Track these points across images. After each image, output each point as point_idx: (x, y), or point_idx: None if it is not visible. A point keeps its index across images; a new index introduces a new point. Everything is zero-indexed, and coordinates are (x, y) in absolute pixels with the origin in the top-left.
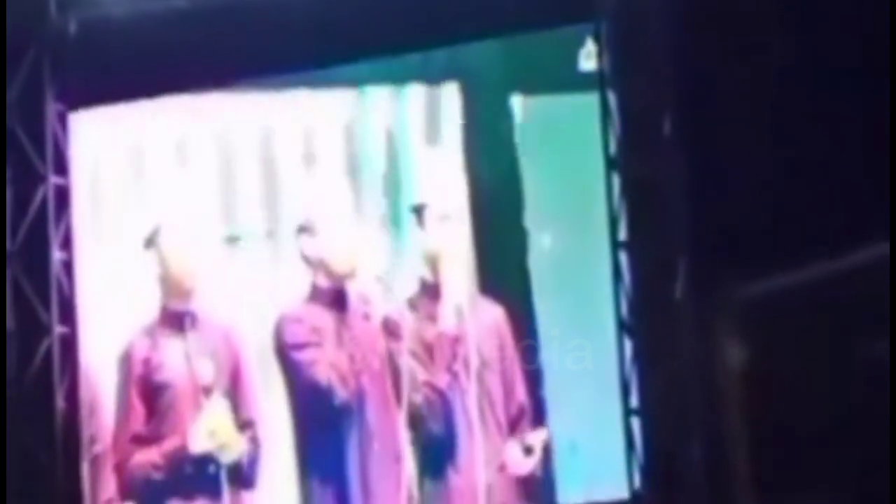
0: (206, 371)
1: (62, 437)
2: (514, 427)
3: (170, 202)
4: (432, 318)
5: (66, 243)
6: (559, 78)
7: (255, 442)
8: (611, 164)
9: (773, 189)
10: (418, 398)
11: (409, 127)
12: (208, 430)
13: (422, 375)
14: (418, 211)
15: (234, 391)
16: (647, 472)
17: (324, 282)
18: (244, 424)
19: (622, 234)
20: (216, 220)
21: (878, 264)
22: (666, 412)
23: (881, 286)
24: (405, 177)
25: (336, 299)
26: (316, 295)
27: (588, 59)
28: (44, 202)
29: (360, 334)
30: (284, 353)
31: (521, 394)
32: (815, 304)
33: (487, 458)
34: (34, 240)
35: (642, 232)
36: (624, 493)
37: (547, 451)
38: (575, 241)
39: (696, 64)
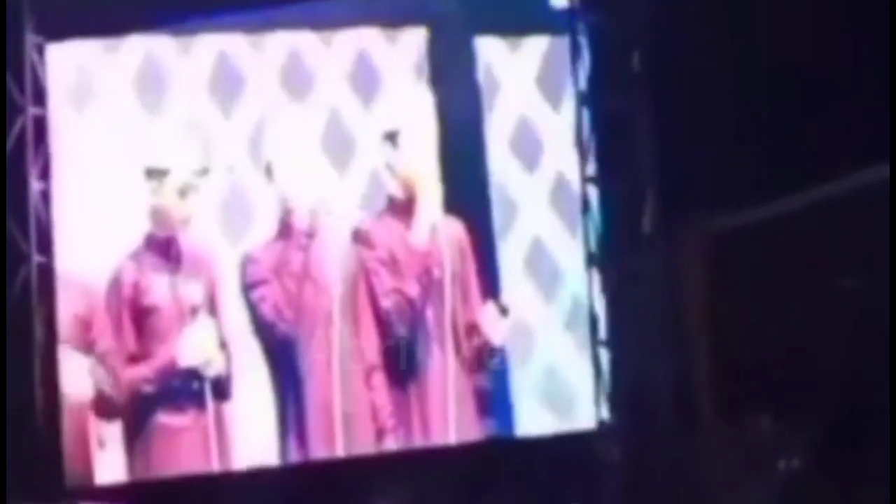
0: (195, 292)
1: (40, 362)
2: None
3: (162, 135)
4: (401, 232)
5: (45, 174)
6: (527, 17)
7: (229, 359)
8: (581, 99)
9: (741, 124)
10: (388, 303)
11: (386, 64)
12: (195, 346)
13: (391, 282)
14: (392, 136)
15: (214, 313)
16: (614, 402)
17: (286, 217)
18: (222, 344)
19: (591, 170)
20: (201, 154)
21: (845, 199)
22: (633, 343)
23: (849, 221)
24: (378, 108)
25: (284, 233)
26: (281, 231)
27: None
28: (22, 133)
29: (296, 266)
30: (244, 291)
31: (477, 303)
32: (780, 237)
33: (453, 369)
34: (12, 170)
35: (611, 167)
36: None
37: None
38: (546, 174)
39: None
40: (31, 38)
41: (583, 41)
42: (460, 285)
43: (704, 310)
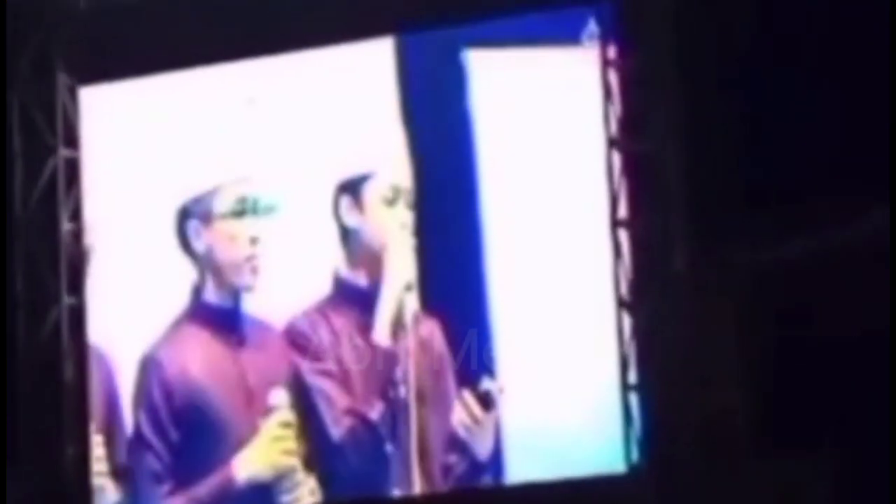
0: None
1: (69, 405)
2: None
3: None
4: (356, 328)
5: (76, 214)
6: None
7: None
8: (611, 143)
9: (772, 162)
10: (338, 431)
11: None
12: None
13: (343, 401)
14: (352, 188)
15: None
16: (644, 447)
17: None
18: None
19: (622, 212)
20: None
21: (879, 235)
22: (664, 388)
23: (883, 256)
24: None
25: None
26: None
27: (590, 39)
28: (54, 174)
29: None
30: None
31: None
32: (814, 275)
33: None
34: (44, 211)
35: (641, 208)
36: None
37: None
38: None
39: (696, 40)
40: (62, 80)
41: (613, 83)
42: (435, 408)
43: (736, 351)
